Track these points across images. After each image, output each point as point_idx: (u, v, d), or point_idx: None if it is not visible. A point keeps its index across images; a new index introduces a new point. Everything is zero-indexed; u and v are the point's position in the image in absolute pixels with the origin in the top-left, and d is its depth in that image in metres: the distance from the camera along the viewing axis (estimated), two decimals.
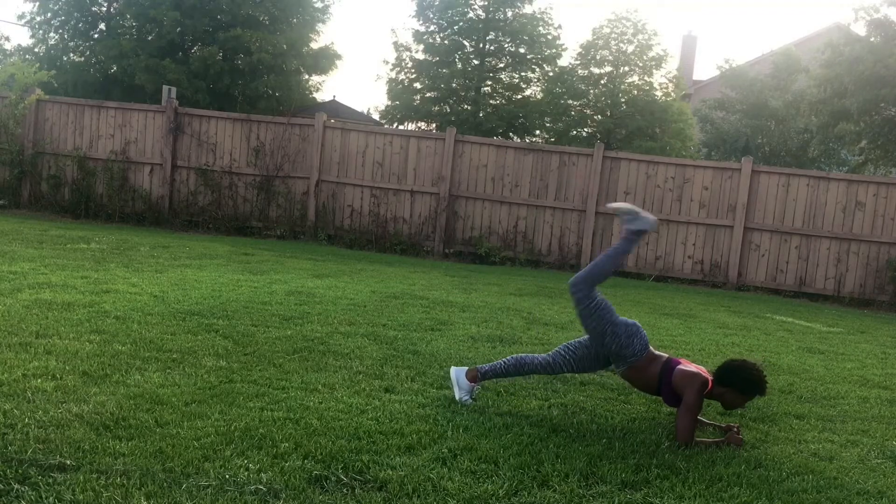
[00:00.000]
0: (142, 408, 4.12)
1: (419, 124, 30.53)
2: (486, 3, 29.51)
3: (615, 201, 14.16)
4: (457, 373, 4.84)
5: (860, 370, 6.96)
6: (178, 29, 25.79)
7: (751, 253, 13.86)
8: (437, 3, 29.53)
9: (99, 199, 15.08)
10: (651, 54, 29.07)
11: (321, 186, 14.86)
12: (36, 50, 27.70)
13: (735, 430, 4.49)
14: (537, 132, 30.84)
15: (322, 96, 30.60)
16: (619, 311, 9.33)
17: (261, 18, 26.78)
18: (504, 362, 4.88)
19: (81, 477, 3.23)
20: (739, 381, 4.40)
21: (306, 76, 29.03)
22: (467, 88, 29.54)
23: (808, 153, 24.10)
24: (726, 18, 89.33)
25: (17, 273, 7.80)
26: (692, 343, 7.48)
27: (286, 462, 3.57)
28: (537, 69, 30.51)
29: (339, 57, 28.39)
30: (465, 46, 30.08)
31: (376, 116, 32.00)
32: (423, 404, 4.65)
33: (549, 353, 4.91)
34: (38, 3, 27.22)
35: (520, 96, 30.37)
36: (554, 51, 30.10)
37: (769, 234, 13.77)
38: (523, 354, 5.02)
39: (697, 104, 28.89)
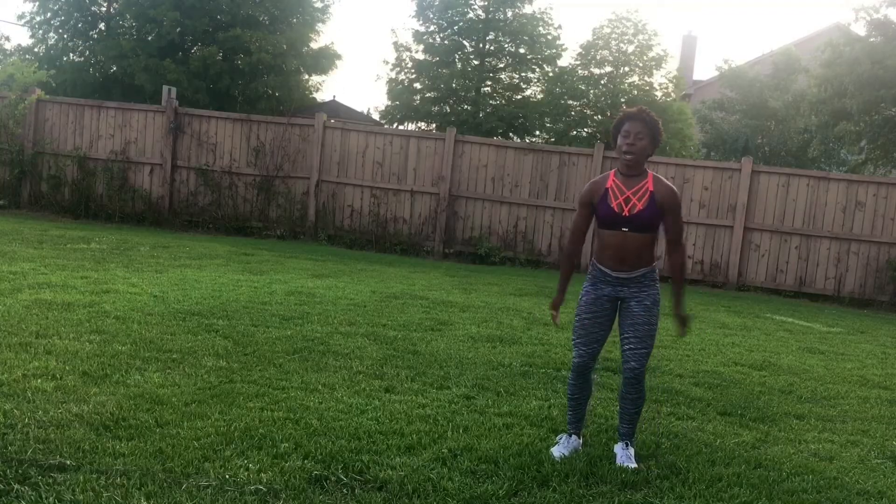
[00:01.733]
0: (142, 408, 4.12)
1: (419, 124, 30.50)
2: (486, 3, 29.48)
3: None
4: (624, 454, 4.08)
5: (860, 370, 6.96)
6: (178, 29, 25.75)
7: (751, 253, 13.86)
8: (437, 3, 29.48)
9: (99, 199, 15.08)
10: (651, 54, 29.03)
11: (321, 186, 14.85)
12: (36, 50, 27.67)
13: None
14: (537, 132, 30.79)
15: (322, 96, 30.56)
16: None
17: (261, 18, 26.76)
18: (635, 408, 4.11)
19: (81, 477, 3.23)
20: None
21: (306, 76, 28.99)
22: (467, 88, 29.50)
23: (808, 153, 24.07)
24: (726, 18, 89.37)
25: (17, 273, 7.79)
26: (692, 343, 7.48)
27: (286, 462, 3.57)
28: (537, 69, 30.47)
29: (339, 57, 28.36)
30: (465, 46, 30.05)
31: (376, 116, 31.97)
32: (423, 404, 4.65)
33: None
34: (37, 3, 27.19)
35: (520, 96, 30.33)
36: (554, 51, 30.06)
37: (769, 234, 13.77)
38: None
39: (697, 104, 28.87)
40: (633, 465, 3.94)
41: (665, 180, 4.14)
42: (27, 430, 3.66)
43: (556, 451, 4.02)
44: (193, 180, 15.11)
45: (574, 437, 4.15)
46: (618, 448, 4.09)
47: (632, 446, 4.08)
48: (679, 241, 4.10)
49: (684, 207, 13.93)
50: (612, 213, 4.01)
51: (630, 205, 3.99)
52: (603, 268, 4.09)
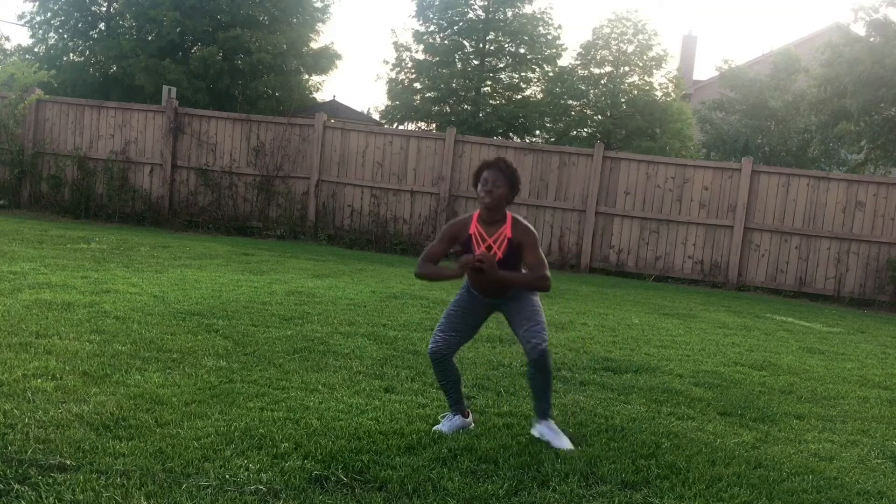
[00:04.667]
0: (142, 408, 4.12)
1: (419, 124, 30.51)
2: (486, 3, 29.49)
3: (615, 201, 14.23)
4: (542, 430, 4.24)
5: (860, 370, 6.96)
6: (178, 29, 25.76)
7: (751, 253, 13.86)
8: (437, 3, 29.49)
9: (99, 199, 15.08)
10: (651, 54, 29.04)
11: (321, 186, 14.85)
12: (36, 50, 27.68)
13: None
14: (537, 132, 30.81)
15: (322, 96, 30.56)
16: (618, 311, 9.34)
17: (261, 18, 26.76)
18: (545, 385, 4.23)
19: (81, 477, 3.23)
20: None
21: (306, 76, 29.00)
22: (467, 88, 29.51)
23: (808, 153, 24.08)
24: (726, 18, 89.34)
25: (17, 273, 7.79)
26: (692, 343, 7.48)
27: (286, 462, 3.57)
28: (537, 69, 30.48)
29: (339, 57, 28.36)
30: (465, 46, 30.05)
31: (376, 116, 31.97)
32: (423, 404, 4.65)
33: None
34: (37, 3, 27.21)
35: (520, 96, 30.34)
36: (554, 51, 30.07)
37: (769, 234, 13.77)
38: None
39: (697, 104, 28.87)
40: (569, 446, 4.08)
41: (522, 220, 4.28)
42: (27, 430, 3.66)
43: (439, 427, 4.18)
44: (193, 180, 15.11)
45: (458, 416, 4.28)
46: (542, 428, 4.19)
47: (551, 418, 4.24)
48: (539, 271, 4.14)
49: (685, 207, 13.95)
50: None
51: (491, 252, 4.15)
52: (475, 292, 4.33)
